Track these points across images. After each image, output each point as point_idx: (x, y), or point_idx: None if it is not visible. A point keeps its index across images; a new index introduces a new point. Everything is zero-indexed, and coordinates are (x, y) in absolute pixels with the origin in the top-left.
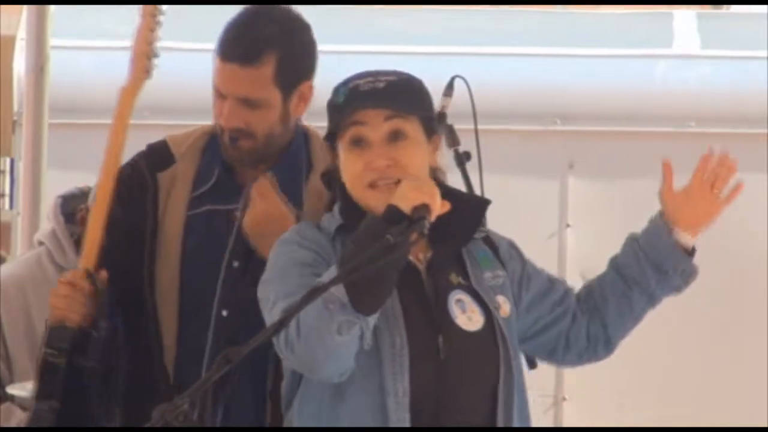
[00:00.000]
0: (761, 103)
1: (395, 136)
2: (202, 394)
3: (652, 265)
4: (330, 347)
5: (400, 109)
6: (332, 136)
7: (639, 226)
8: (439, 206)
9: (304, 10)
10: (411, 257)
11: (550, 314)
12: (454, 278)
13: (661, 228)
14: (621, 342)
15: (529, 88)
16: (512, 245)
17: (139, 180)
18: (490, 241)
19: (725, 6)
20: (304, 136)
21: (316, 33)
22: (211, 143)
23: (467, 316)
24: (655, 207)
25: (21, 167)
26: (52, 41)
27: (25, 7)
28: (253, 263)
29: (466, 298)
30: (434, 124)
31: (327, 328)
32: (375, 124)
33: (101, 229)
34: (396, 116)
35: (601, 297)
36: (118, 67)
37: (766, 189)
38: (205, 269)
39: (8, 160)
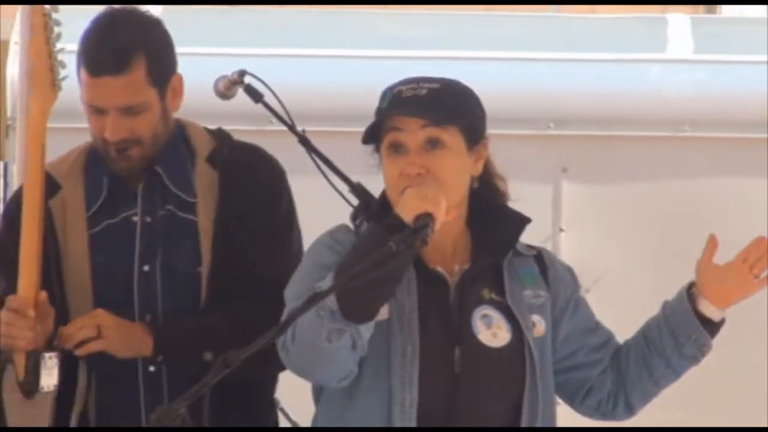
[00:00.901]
0: (756, 107)
1: (432, 145)
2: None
3: (669, 330)
4: (320, 354)
5: (437, 119)
6: (375, 139)
7: (633, 230)
8: (443, 214)
9: (302, 14)
10: (441, 269)
11: (585, 356)
12: (487, 293)
13: (683, 295)
14: (642, 407)
15: (523, 92)
16: (569, 271)
17: None
18: (542, 261)
19: (717, 6)
20: (179, 126)
21: (314, 38)
22: (91, 161)
23: (492, 332)
24: (649, 212)
25: (14, 171)
26: None
27: (18, 12)
28: (161, 265)
29: (495, 314)
30: (477, 134)
31: (317, 335)
32: (412, 131)
33: (36, 253)
34: (432, 125)
35: (626, 357)
36: None
37: (764, 193)
38: (116, 281)
39: (2, 164)
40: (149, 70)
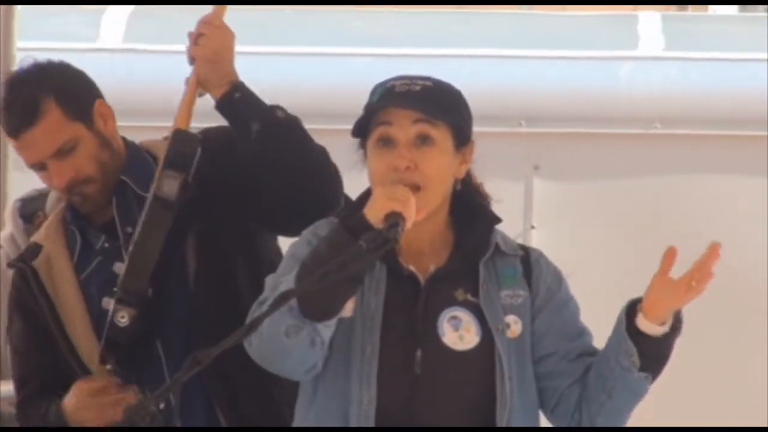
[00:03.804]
0: (726, 104)
1: (421, 140)
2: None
3: (613, 340)
4: (279, 347)
5: (430, 113)
6: (363, 134)
7: (604, 227)
8: (413, 214)
9: (273, 13)
10: (414, 268)
11: (556, 364)
12: (461, 294)
13: (624, 306)
14: (603, 423)
15: (494, 90)
16: (556, 274)
17: (21, 279)
18: (528, 261)
19: (689, 7)
20: (134, 146)
21: (285, 36)
22: (67, 215)
23: (458, 335)
24: (620, 209)
25: None
26: (19, 43)
27: None
28: None
29: (466, 316)
30: (465, 135)
31: (276, 329)
32: (402, 125)
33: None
34: (424, 120)
35: (591, 370)
36: (85, 69)
37: (735, 189)
38: None
39: None
40: (63, 107)
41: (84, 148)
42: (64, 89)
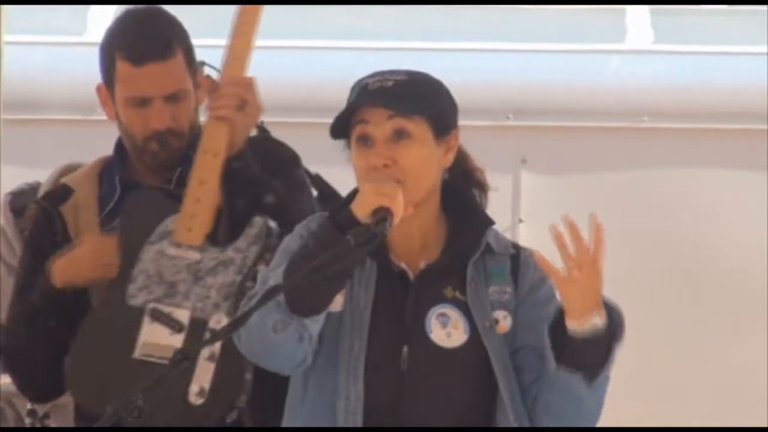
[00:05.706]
0: (714, 98)
1: (398, 135)
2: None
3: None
4: (267, 343)
5: (402, 109)
6: (346, 133)
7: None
8: (401, 209)
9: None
10: (405, 265)
11: (524, 358)
12: (450, 292)
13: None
14: (547, 420)
15: (481, 84)
16: (541, 276)
17: (44, 217)
18: (517, 260)
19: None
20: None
21: (272, 29)
22: (107, 168)
23: (446, 332)
24: (608, 203)
25: None
26: (5, 37)
27: None
28: None
29: (454, 314)
30: (446, 124)
31: (264, 324)
32: (378, 123)
33: None
34: (398, 116)
35: None
36: (72, 63)
37: (724, 183)
38: None
39: None
40: (186, 58)
41: (187, 104)
42: (188, 42)
